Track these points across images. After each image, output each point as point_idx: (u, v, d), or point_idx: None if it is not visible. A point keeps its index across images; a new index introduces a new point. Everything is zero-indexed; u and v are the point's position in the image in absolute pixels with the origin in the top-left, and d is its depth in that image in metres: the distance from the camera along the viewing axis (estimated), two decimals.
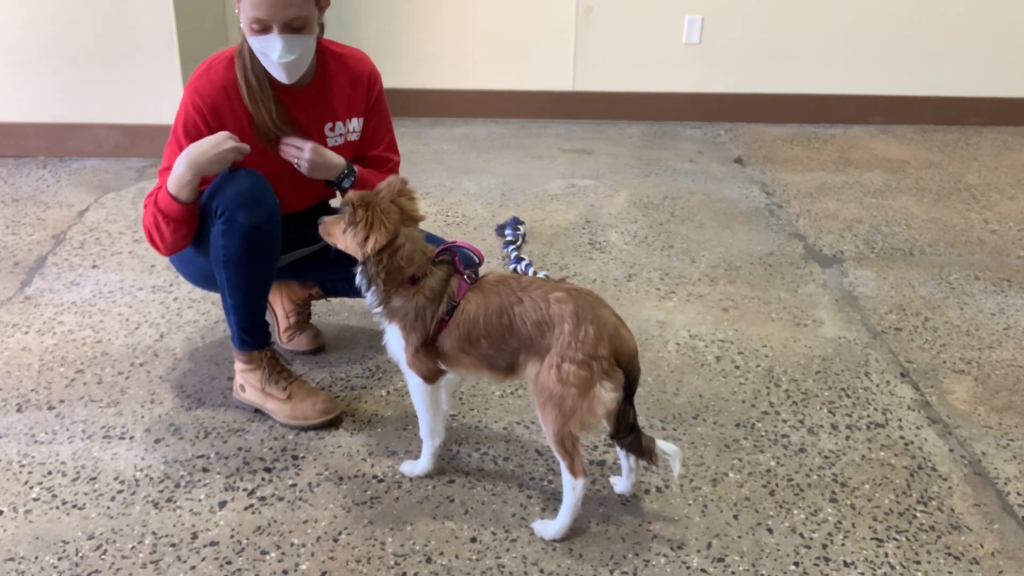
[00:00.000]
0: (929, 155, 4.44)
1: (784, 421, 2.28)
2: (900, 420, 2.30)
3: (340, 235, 1.85)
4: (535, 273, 2.98)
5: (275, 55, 1.97)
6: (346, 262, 2.42)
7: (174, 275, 2.98)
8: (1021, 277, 3.12)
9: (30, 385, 2.39)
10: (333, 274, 2.37)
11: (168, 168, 2.04)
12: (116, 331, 2.67)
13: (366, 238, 1.79)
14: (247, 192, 2.03)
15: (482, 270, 1.91)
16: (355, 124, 2.24)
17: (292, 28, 1.95)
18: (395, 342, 1.91)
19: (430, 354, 1.88)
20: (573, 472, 1.79)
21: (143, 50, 3.97)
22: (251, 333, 2.21)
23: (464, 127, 4.81)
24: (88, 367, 2.48)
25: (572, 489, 1.81)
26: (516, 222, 3.38)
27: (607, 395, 1.73)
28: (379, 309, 1.88)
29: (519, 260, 3.08)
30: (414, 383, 1.94)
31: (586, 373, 1.73)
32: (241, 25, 1.99)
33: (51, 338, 2.62)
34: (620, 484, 1.99)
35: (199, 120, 2.05)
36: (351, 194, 1.82)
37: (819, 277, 3.09)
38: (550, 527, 1.85)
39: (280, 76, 2.03)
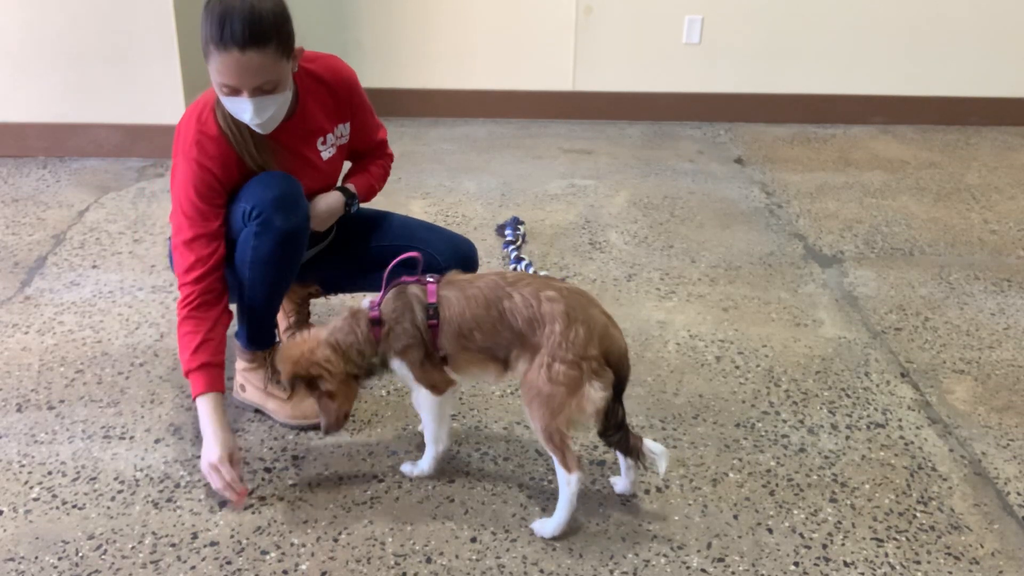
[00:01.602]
0: (929, 155, 4.44)
1: (784, 421, 2.28)
2: (900, 420, 2.30)
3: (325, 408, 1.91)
4: (535, 273, 2.98)
5: (247, 117, 1.93)
6: (349, 259, 2.42)
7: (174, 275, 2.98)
8: (1021, 277, 3.12)
9: (30, 385, 2.39)
10: (336, 269, 2.37)
11: (185, 243, 2.01)
12: (116, 331, 2.67)
13: (344, 413, 1.90)
14: (285, 196, 2.03)
15: (482, 271, 1.92)
16: (343, 129, 2.23)
17: (263, 91, 1.90)
18: (402, 369, 1.92)
19: (436, 364, 1.89)
20: (566, 467, 1.81)
21: (143, 50, 3.97)
22: (261, 333, 2.23)
23: (464, 127, 4.81)
24: (88, 367, 2.48)
25: (567, 484, 1.82)
26: (516, 222, 3.38)
27: (596, 394, 1.76)
28: (391, 366, 1.93)
29: (519, 260, 3.08)
30: (423, 395, 1.94)
31: (576, 373, 1.75)
32: (212, 81, 1.93)
33: (51, 338, 2.62)
34: (620, 483, 1.99)
35: (210, 178, 2.01)
36: (283, 375, 1.88)
37: (819, 277, 3.09)
38: (548, 525, 1.86)
39: (256, 130, 1.99)
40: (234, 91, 1.89)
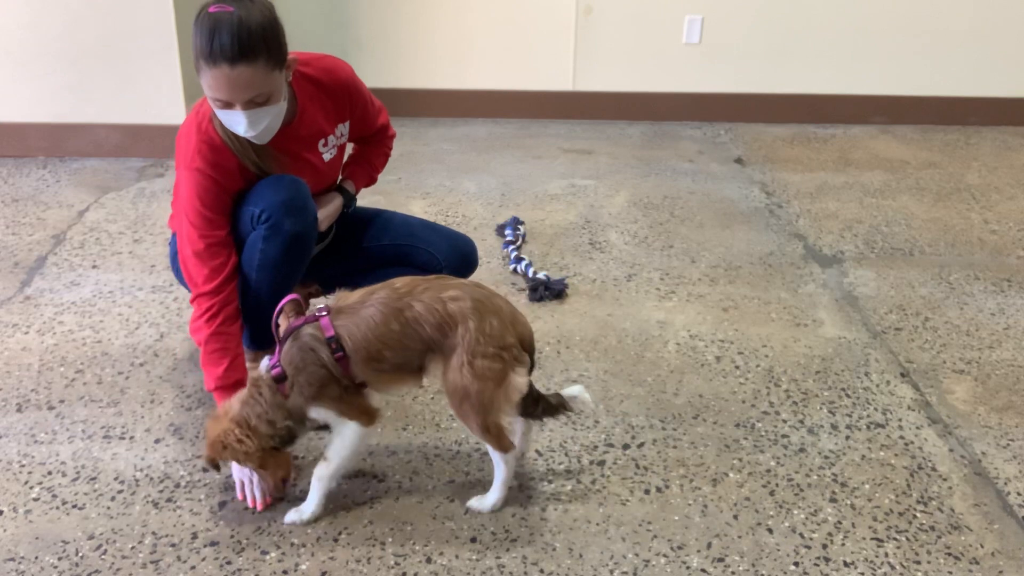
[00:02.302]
0: (929, 155, 4.44)
1: (784, 421, 2.28)
2: (900, 420, 2.30)
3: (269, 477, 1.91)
4: (535, 273, 2.98)
5: (240, 129, 1.92)
6: (350, 257, 2.41)
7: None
8: (1021, 277, 3.12)
9: (30, 385, 2.39)
10: (337, 268, 2.38)
11: (197, 253, 2.00)
12: (116, 331, 2.67)
13: (280, 479, 1.91)
14: (294, 200, 2.03)
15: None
16: (343, 128, 2.24)
17: (256, 103, 1.88)
18: (323, 414, 1.85)
19: (355, 392, 1.85)
20: (503, 449, 1.86)
21: (143, 50, 3.97)
22: (264, 332, 2.23)
23: (464, 127, 4.81)
24: (88, 367, 2.48)
25: (504, 463, 1.88)
26: (516, 222, 3.38)
27: (520, 380, 1.80)
28: (310, 416, 1.86)
29: (519, 260, 3.08)
30: (350, 430, 1.85)
31: (499, 365, 1.77)
32: (205, 94, 1.92)
33: (51, 338, 2.62)
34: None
35: (214, 186, 2.01)
36: (204, 459, 1.87)
37: (819, 277, 3.09)
38: (487, 500, 1.92)
39: (252, 140, 1.99)
40: (227, 105, 1.88)
